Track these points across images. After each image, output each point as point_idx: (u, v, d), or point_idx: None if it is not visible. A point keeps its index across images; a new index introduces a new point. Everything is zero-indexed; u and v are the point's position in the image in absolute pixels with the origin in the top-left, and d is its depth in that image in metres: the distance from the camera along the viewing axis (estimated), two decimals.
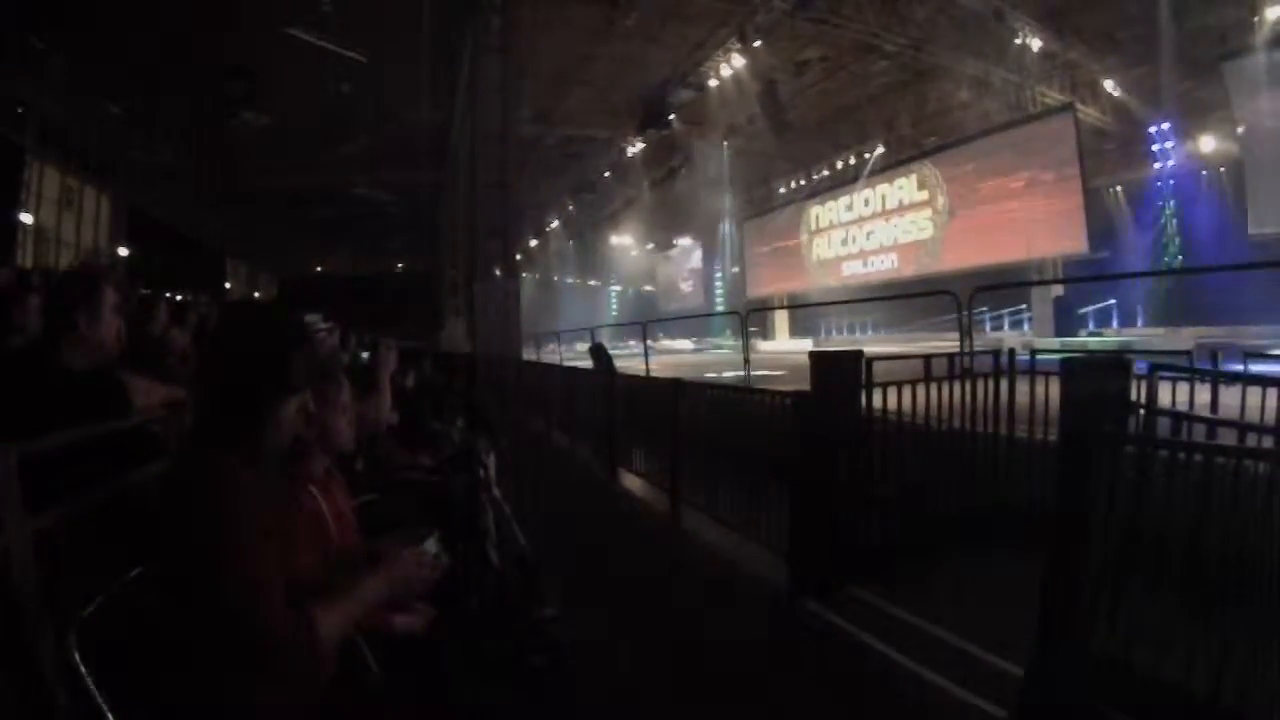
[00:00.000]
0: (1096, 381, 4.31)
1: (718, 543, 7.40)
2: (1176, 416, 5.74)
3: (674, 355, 42.60)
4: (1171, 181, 35.81)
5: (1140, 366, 6.46)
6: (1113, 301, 37.05)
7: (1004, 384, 7.64)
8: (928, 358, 7.28)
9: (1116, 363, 4.83)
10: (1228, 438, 4.97)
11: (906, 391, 6.92)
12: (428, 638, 2.84)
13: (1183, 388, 6.89)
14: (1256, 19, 29.10)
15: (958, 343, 9.99)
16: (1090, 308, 37.28)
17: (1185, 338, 28.82)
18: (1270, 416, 5.99)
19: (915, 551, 6.43)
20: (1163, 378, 6.93)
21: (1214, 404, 6.61)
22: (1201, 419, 5.81)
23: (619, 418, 11.22)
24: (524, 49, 28.78)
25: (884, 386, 6.63)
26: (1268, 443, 5.14)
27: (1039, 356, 8.32)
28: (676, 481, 8.75)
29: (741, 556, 6.89)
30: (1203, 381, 7.03)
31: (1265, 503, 3.24)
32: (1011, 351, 7.91)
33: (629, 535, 8.38)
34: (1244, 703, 3.16)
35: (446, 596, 3.00)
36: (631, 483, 10.23)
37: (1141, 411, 5.84)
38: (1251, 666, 3.14)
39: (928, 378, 7.13)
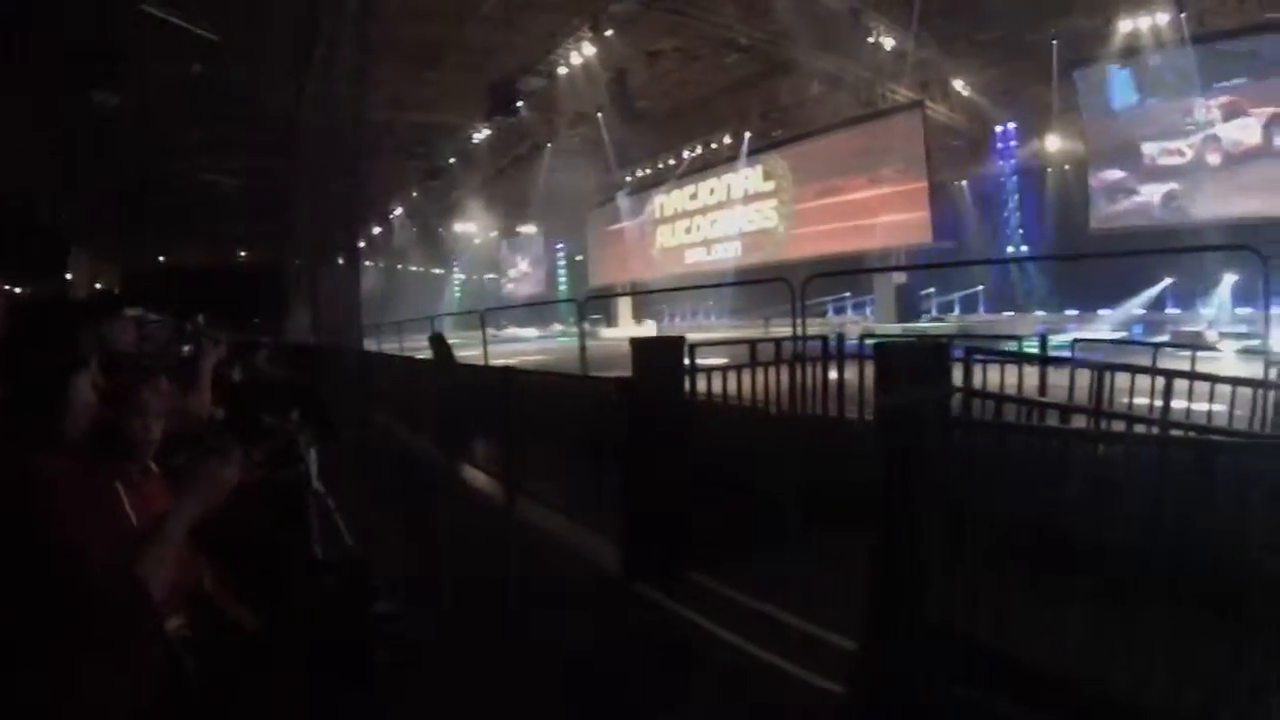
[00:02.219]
0: (912, 364, 4.41)
1: (555, 531, 7.49)
2: (993, 398, 6.07)
3: (517, 344, 42.37)
4: (1015, 178, 38.12)
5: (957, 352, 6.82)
6: (958, 290, 38.78)
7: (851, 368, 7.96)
8: (753, 343, 7.61)
9: (933, 345, 5.04)
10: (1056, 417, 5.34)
11: (733, 376, 7.20)
12: (258, 635, 2.87)
13: (1012, 369, 7.56)
14: (1110, 29, 31.42)
15: (805, 327, 10.29)
16: (934, 295, 38.80)
17: (1030, 323, 31.06)
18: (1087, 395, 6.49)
19: (752, 534, 6.55)
20: (983, 360, 7.39)
21: (1041, 385, 7.35)
22: (1016, 399, 6.20)
23: (457, 409, 11.18)
24: (379, 33, 28.39)
25: (709, 372, 6.88)
26: (1080, 421, 5.54)
27: (867, 341, 8.67)
28: (512, 471, 8.74)
29: (578, 544, 7.00)
30: (1031, 364, 7.59)
31: (1084, 477, 3.51)
32: (840, 337, 8.22)
33: (467, 527, 8.36)
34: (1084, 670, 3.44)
35: (274, 594, 3.02)
36: (472, 475, 10.24)
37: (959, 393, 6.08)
38: (1093, 636, 3.39)
39: (753, 363, 7.45)
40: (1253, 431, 6.68)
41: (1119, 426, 5.74)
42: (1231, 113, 30.99)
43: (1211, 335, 25.49)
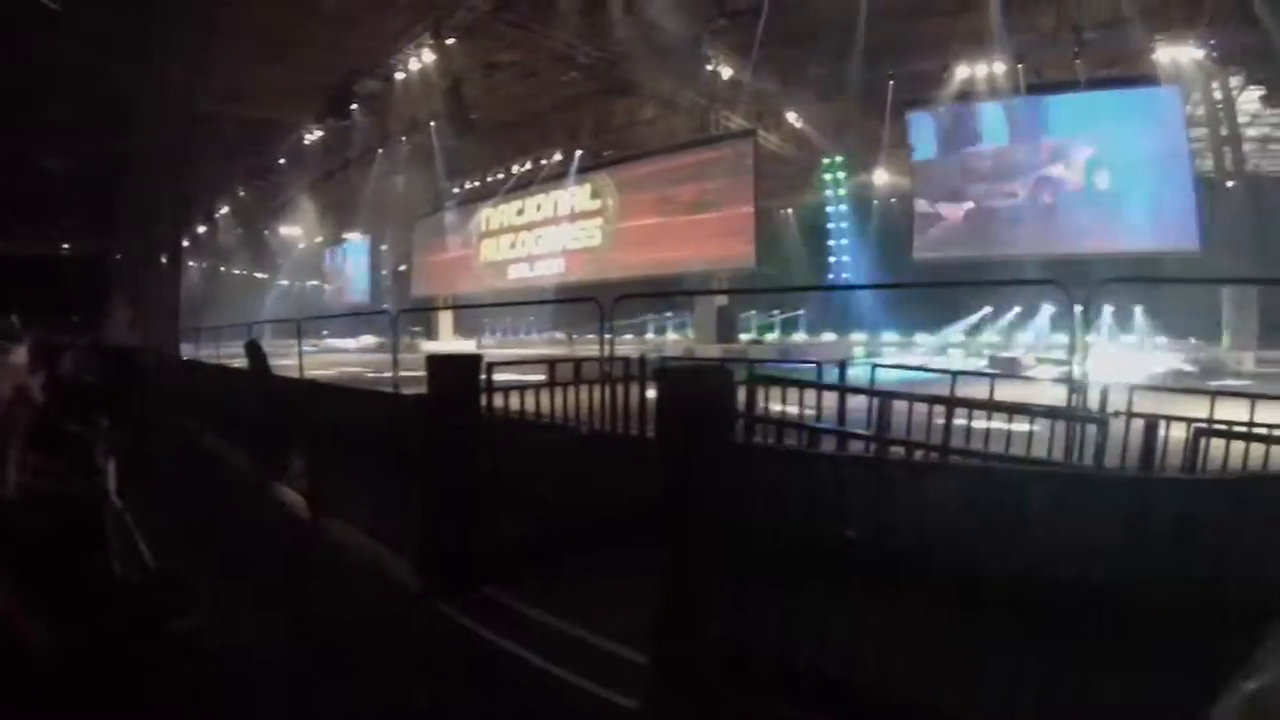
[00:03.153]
0: (695, 387, 4.60)
1: (359, 548, 7.44)
2: (772, 422, 6.39)
3: (337, 354, 41.54)
4: (839, 208, 39.53)
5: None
6: (779, 312, 39.87)
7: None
8: (552, 361, 7.89)
9: (717, 370, 5.31)
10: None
11: (546, 393, 7.43)
12: (50, 653, 2.88)
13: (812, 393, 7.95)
14: (946, 74, 33.60)
15: (614, 346, 10.45)
16: (754, 316, 39.79)
17: (847, 346, 32.63)
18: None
19: (555, 549, 6.70)
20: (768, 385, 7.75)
21: (840, 411, 7.77)
22: (795, 424, 6.53)
23: (269, 421, 11.06)
24: (219, 16, 27.72)
25: (505, 390, 7.04)
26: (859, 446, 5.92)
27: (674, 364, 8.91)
28: (317, 487, 8.75)
29: (381, 562, 6.94)
30: (827, 389, 7.97)
31: (861, 496, 3.82)
32: (642, 357, 8.44)
33: (272, 544, 8.25)
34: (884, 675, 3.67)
35: (68, 611, 3.02)
36: (282, 490, 10.15)
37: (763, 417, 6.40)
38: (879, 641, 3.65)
39: (552, 382, 7.70)
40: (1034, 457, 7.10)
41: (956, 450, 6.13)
42: (1053, 158, 33.72)
43: (1029, 360, 27.16)
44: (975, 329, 34.74)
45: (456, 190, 54.33)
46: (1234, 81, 34.60)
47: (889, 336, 36.22)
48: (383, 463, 7.43)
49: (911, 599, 3.60)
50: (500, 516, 6.67)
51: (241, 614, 5.70)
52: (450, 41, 32.10)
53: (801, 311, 41.07)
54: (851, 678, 3.75)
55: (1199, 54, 32.35)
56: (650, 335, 39.15)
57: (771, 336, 40.10)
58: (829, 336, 38.54)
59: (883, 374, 10.23)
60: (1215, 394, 8.28)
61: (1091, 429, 6.29)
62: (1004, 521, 3.50)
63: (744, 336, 38.63)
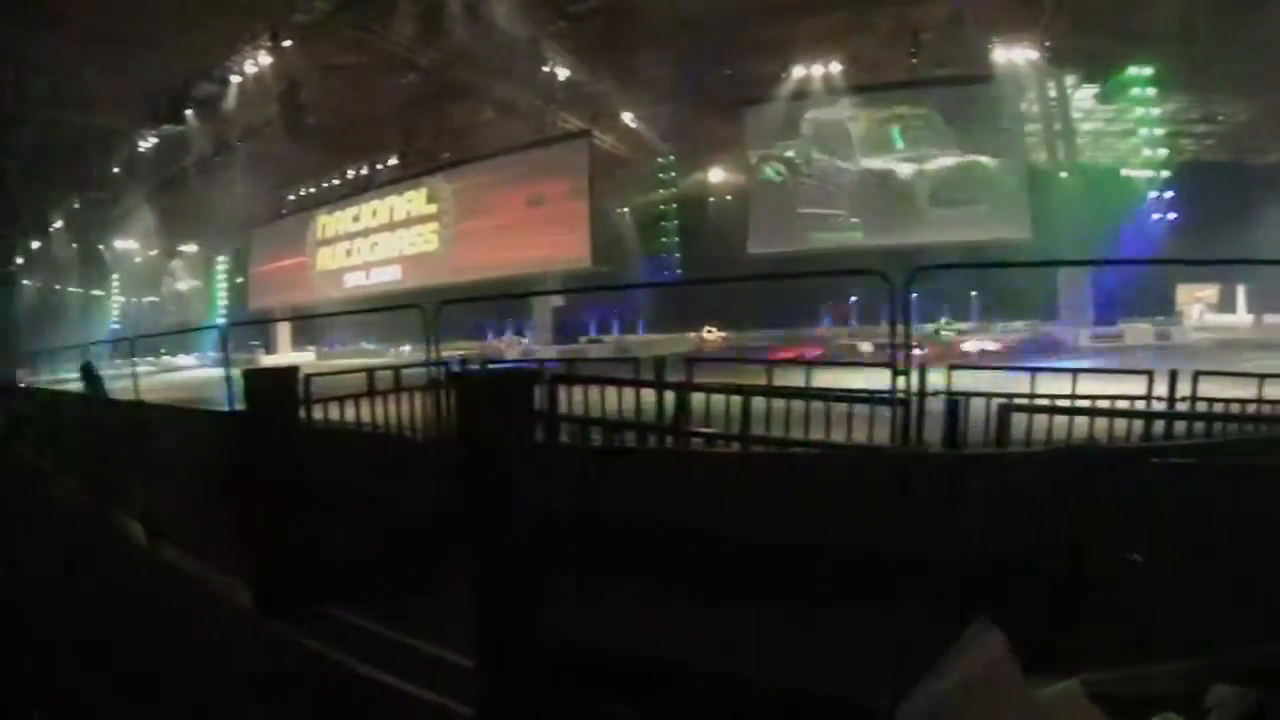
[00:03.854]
0: (491, 394, 4.66)
1: (192, 573, 7.27)
2: (577, 421, 6.51)
3: (177, 373, 40.20)
4: (674, 206, 40.75)
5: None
6: (618, 312, 40.10)
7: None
8: (371, 370, 7.89)
9: (522, 374, 5.45)
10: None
11: (355, 403, 7.45)
12: None
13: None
14: (784, 74, 34.79)
15: (452, 352, 10.40)
16: (593, 317, 39.92)
17: (689, 343, 33.18)
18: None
19: (386, 561, 6.65)
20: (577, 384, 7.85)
21: (684, 408, 7.62)
22: (600, 421, 6.65)
23: (105, 446, 10.78)
24: (50, 12, 26.88)
25: (325, 402, 7.07)
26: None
27: (491, 366, 8.98)
28: (153, 512, 8.49)
29: (213, 584, 6.84)
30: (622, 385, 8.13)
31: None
32: (463, 361, 8.49)
33: (102, 572, 7.99)
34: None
35: None
36: (118, 517, 9.90)
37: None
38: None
39: (371, 392, 7.69)
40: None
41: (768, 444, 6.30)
42: (888, 152, 35.77)
43: (866, 348, 28.36)
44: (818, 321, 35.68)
45: (293, 197, 53.31)
46: (1070, 80, 36.44)
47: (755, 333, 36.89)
48: (211, 483, 7.32)
49: (705, 581, 3.80)
50: (330, 530, 6.62)
51: (67, 659, 5.57)
52: (288, 43, 31.56)
53: (640, 311, 41.34)
54: (658, 661, 3.87)
55: (1035, 55, 34.32)
56: (491, 340, 38.94)
57: (610, 337, 40.28)
58: (666, 335, 38.72)
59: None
60: (1034, 370, 8.79)
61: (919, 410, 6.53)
62: (784, 502, 3.79)
63: (583, 338, 38.60)
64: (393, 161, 45.17)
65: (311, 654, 5.41)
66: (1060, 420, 6.63)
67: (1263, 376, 8.35)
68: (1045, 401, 7.53)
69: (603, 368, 11.00)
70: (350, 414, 7.86)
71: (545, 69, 34.45)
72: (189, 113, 36.82)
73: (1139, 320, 36.37)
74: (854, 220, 36.10)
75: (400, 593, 6.11)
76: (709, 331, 37.56)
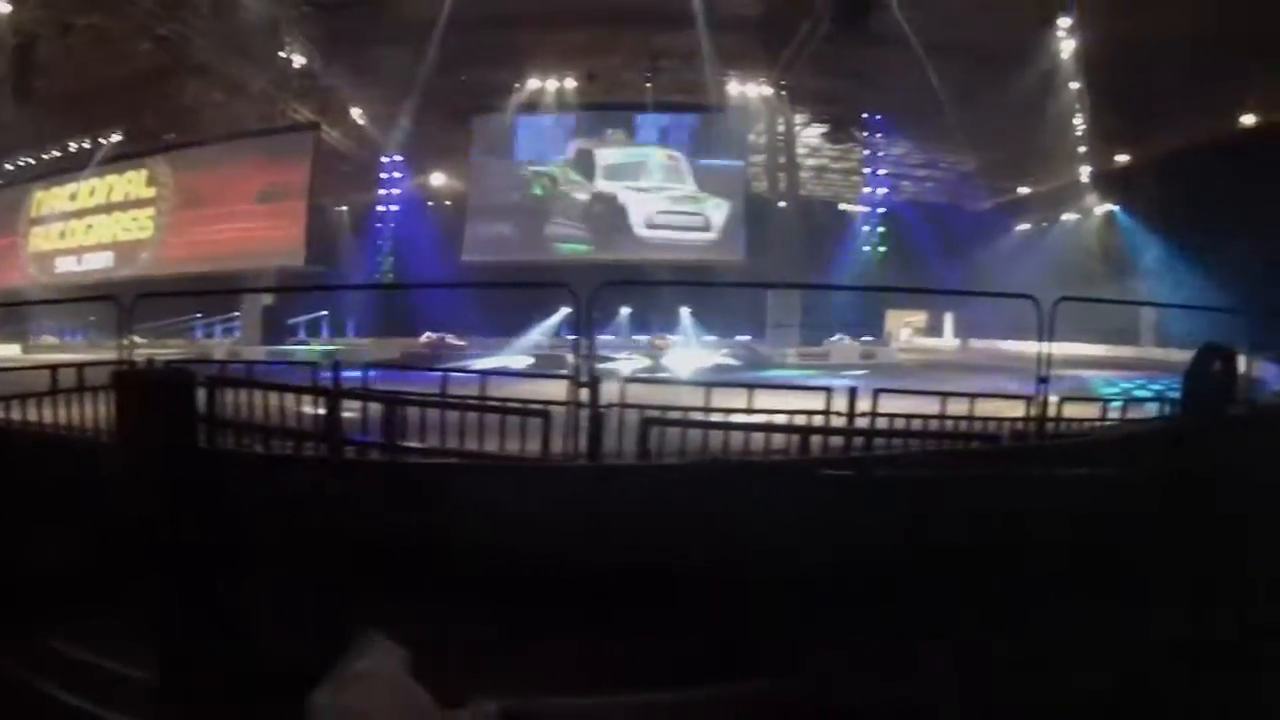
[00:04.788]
0: (153, 394, 4.29)
1: None
2: (236, 426, 6.64)
3: None
4: (396, 208, 40.66)
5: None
6: (324, 313, 39.40)
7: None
8: (54, 368, 7.73)
9: (178, 374, 5.37)
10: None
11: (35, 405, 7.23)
12: None
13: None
14: (518, 84, 35.45)
15: (170, 350, 10.15)
16: (303, 318, 39.04)
17: (394, 347, 32.88)
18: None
19: (73, 577, 6.52)
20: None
21: (335, 414, 7.74)
22: (258, 427, 6.79)
23: None
24: None
25: (6, 400, 6.90)
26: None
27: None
28: None
29: None
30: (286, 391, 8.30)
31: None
32: (150, 360, 8.36)
33: None
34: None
35: None
36: None
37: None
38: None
39: (54, 391, 7.47)
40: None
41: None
42: (609, 172, 37.41)
43: (619, 356, 28.86)
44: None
45: (10, 168, 49.58)
46: (800, 118, 38.69)
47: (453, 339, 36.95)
48: None
49: (382, 588, 3.81)
50: (27, 546, 6.45)
51: None
52: None
53: (352, 313, 40.73)
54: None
55: (769, 91, 36.30)
56: (200, 338, 37.61)
57: (319, 339, 39.54)
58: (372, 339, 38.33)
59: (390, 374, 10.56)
60: (709, 385, 9.52)
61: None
62: (434, 510, 4.03)
63: (291, 340, 37.61)
64: (116, 137, 42.19)
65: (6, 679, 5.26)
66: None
67: (945, 394, 9.08)
68: (700, 415, 8.05)
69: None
70: (33, 415, 7.59)
71: (283, 54, 33.30)
72: None
73: (848, 340, 38.56)
74: (579, 234, 37.24)
75: (86, 608, 6.02)
76: (426, 337, 37.43)
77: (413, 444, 7.15)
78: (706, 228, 37.29)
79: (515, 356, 29.11)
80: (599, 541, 3.75)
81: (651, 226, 36.95)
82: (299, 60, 33.55)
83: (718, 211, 37.21)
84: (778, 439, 7.53)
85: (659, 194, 37.18)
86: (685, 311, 37.89)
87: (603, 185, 37.30)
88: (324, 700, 2.29)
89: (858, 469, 4.98)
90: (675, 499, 3.92)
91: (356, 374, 10.57)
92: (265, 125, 37.67)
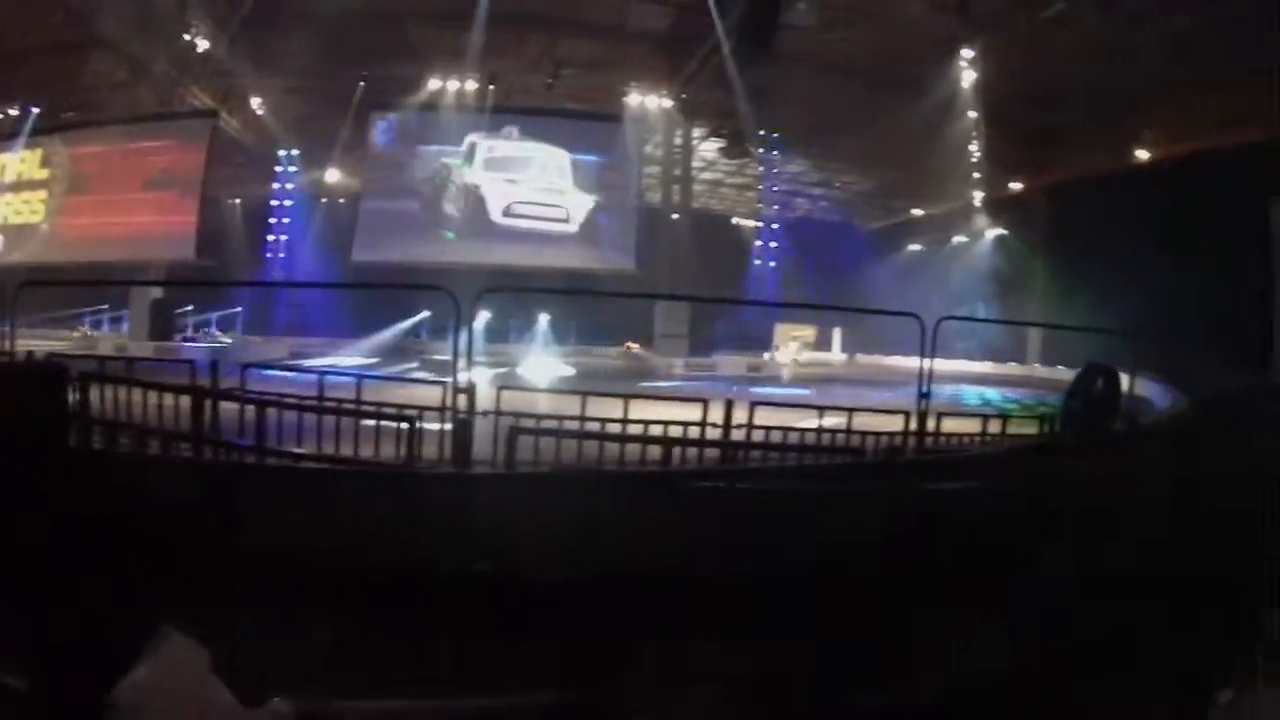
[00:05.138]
0: (21, 388, 3.92)
1: None
2: (106, 424, 6.63)
3: None
4: (288, 203, 39.77)
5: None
6: (217, 309, 38.64)
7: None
8: None
9: (48, 368, 5.09)
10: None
11: None
12: None
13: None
14: (419, 82, 35.49)
15: (56, 343, 9.88)
16: (191, 313, 38.12)
17: (282, 347, 33.47)
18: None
19: None
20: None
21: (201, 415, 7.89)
22: (130, 426, 6.77)
23: None
24: None
25: None
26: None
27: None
28: None
29: None
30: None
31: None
32: (30, 353, 8.20)
33: None
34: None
35: None
36: None
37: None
38: None
39: None
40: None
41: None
42: (506, 175, 37.76)
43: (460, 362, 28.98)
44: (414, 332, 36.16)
45: None
46: (698, 132, 39.60)
47: (316, 340, 36.47)
48: None
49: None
50: None
51: None
52: None
53: (239, 309, 39.84)
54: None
55: (668, 104, 37.15)
56: (89, 330, 36.48)
57: (207, 335, 38.66)
58: (260, 337, 37.70)
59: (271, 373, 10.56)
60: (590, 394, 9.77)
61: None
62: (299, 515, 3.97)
63: (178, 335, 36.49)
64: (13, 112, 40.49)
65: None
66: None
67: (821, 408, 9.27)
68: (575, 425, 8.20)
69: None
70: None
71: (187, 36, 32.26)
72: None
73: (736, 354, 39.65)
74: (461, 238, 37.48)
75: None
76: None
77: (284, 449, 7.17)
78: (566, 219, 37.81)
79: (396, 361, 29.39)
80: (451, 549, 3.70)
81: (508, 215, 37.38)
82: (203, 44, 32.62)
83: (580, 208, 37.78)
84: (655, 450, 7.65)
85: (525, 186, 37.60)
86: (544, 319, 37.94)
87: (479, 176, 37.56)
88: (128, 700, 2.36)
89: (720, 481, 4.95)
90: (529, 508, 3.86)
91: (235, 372, 10.46)
92: (165, 110, 36.60)
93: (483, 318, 33.60)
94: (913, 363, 9.21)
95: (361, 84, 35.38)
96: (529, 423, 8.23)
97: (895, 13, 30.98)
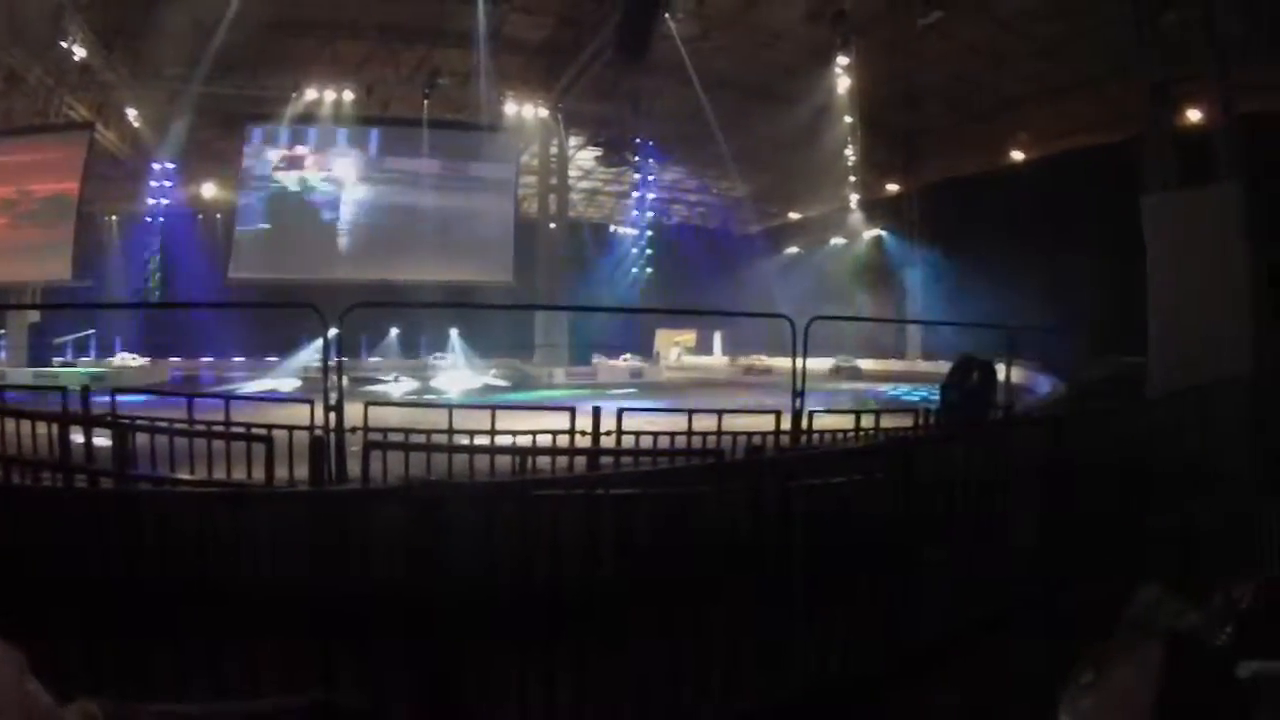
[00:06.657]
0: None
1: None
2: None
3: None
4: (163, 219, 39.10)
5: None
6: (92, 330, 37.37)
7: None
8: None
9: None
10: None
11: None
12: None
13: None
14: (297, 93, 35.37)
15: None
16: (70, 337, 36.80)
17: (163, 370, 33.00)
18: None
19: None
20: None
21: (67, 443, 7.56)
22: None
23: None
24: None
25: None
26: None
27: None
28: None
29: None
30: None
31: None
32: None
33: None
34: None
35: None
36: None
37: None
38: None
39: None
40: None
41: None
42: (386, 186, 38.59)
43: (388, 378, 30.88)
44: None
45: None
46: (575, 140, 40.58)
47: (206, 359, 36.91)
48: None
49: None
50: None
51: None
52: None
53: (120, 331, 38.83)
54: None
55: (545, 113, 37.77)
56: None
57: (85, 359, 37.44)
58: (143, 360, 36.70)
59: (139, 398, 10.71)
60: (451, 407, 10.16)
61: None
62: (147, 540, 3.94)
63: (57, 360, 35.23)
64: None
65: None
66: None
67: (690, 412, 9.63)
68: (443, 439, 8.57)
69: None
70: None
71: (64, 44, 30.92)
72: None
73: (616, 359, 40.53)
74: (347, 253, 37.85)
75: None
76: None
77: (146, 472, 7.34)
78: (476, 247, 38.44)
79: (283, 379, 29.57)
80: (317, 565, 3.78)
81: (385, 228, 38.08)
82: (80, 53, 31.48)
83: (457, 219, 38.32)
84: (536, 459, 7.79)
85: (401, 197, 38.48)
86: (454, 333, 38.46)
87: (355, 189, 38.22)
88: None
89: (572, 488, 4.93)
90: (381, 523, 3.92)
91: (106, 399, 10.30)
92: (40, 121, 34.98)
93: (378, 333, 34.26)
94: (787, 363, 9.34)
95: (236, 95, 34.91)
96: (397, 437, 8.45)
97: (771, 23, 32.30)
